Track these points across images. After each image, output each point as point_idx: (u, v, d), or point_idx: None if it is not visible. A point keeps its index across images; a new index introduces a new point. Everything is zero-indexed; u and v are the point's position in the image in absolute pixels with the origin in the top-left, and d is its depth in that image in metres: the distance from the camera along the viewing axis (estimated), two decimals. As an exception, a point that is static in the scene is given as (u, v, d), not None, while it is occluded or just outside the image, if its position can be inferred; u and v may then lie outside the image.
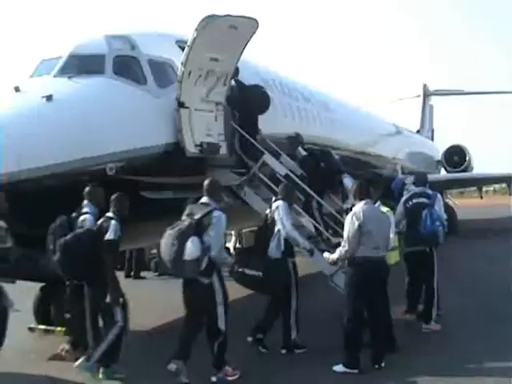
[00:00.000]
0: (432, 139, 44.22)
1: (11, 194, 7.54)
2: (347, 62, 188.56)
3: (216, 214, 7.63)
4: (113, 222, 7.75)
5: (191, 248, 7.34)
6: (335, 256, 8.31)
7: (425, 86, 44.34)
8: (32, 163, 7.74)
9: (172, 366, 7.50)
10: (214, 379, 7.73)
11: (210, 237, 7.51)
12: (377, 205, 9.17)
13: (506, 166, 60.00)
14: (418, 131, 41.01)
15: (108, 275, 7.70)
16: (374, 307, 8.11)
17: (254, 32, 10.60)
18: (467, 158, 36.07)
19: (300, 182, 10.79)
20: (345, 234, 8.10)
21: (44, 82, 9.40)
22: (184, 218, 7.67)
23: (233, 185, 10.78)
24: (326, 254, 8.63)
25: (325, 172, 11.90)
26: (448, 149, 37.01)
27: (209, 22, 9.85)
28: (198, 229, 7.47)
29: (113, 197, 8.09)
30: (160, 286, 15.24)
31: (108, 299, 7.69)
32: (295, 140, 12.42)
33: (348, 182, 11.90)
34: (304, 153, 12.11)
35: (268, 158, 11.08)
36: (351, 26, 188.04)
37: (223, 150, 10.80)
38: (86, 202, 8.32)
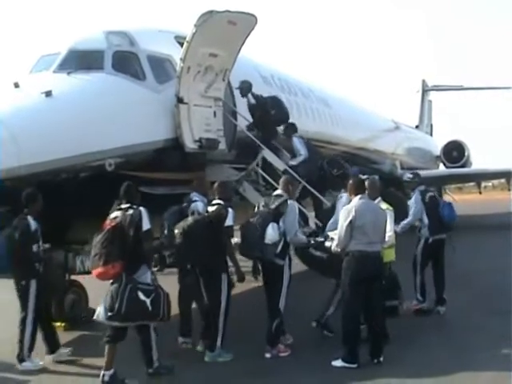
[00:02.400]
0: (431, 134, 44.28)
1: (10, 190, 7.55)
2: (346, 57, 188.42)
3: (290, 202, 8.60)
4: (230, 209, 8.42)
5: (271, 233, 8.27)
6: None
7: (423, 81, 44.42)
8: (31, 159, 7.76)
9: (268, 355, 8.39)
10: (268, 355, 8.40)
11: (285, 223, 8.40)
12: (377, 201, 9.17)
13: (505, 161, 60.02)
14: (416, 126, 41.08)
15: (232, 257, 8.53)
16: (369, 302, 8.13)
17: (253, 28, 10.62)
18: (466, 154, 36.07)
19: (298, 177, 10.81)
20: (338, 229, 8.18)
21: (43, 78, 9.41)
22: (261, 208, 8.67)
23: (232, 180, 10.80)
24: (327, 243, 8.70)
25: (274, 120, 11.83)
26: (447, 144, 37.01)
27: (208, 17, 9.87)
28: (276, 216, 8.39)
29: (216, 185, 8.82)
30: (160, 281, 15.15)
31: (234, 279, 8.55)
32: (244, 86, 11.95)
33: (296, 141, 11.88)
34: (253, 100, 11.92)
35: (267, 153, 11.10)
36: (350, 21, 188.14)
37: (222, 146, 10.82)
38: (193, 192, 9.10)
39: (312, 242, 8.93)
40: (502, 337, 8.66)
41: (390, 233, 8.93)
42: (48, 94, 8.51)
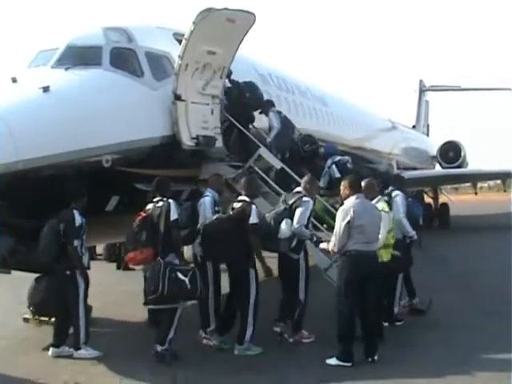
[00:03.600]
0: (427, 135, 44.34)
1: (8, 185, 7.55)
2: (344, 57, 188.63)
3: (305, 198, 8.87)
4: (253, 206, 8.68)
5: (284, 228, 8.66)
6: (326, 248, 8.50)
7: (421, 81, 44.49)
8: (29, 154, 7.75)
9: (277, 328, 8.99)
10: (291, 340, 8.98)
11: (295, 214, 8.70)
12: (375, 201, 9.16)
13: (502, 162, 60.27)
14: (413, 126, 41.15)
15: (258, 253, 8.80)
16: (365, 301, 8.14)
17: (252, 26, 10.61)
18: (462, 154, 36.13)
19: (295, 176, 10.80)
20: (335, 229, 8.19)
21: (41, 73, 9.39)
22: (280, 204, 9.01)
23: (228, 178, 10.79)
24: (322, 245, 8.75)
25: (249, 102, 11.70)
26: (443, 144, 37.06)
27: (206, 15, 9.86)
28: (291, 212, 8.73)
29: (243, 180, 9.07)
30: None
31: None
32: None
33: (271, 115, 11.76)
34: (229, 84, 11.74)
35: (263, 151, 11.10)
36: (349, 21, 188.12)
37: (219, 143, 10.82)
38: (208, 188, 9.34)
39: (314, 238, 9.04)
40: (501, 337, 8.68)
41: (382, 234, 8.87)
42: (46, 89, 8.49)
